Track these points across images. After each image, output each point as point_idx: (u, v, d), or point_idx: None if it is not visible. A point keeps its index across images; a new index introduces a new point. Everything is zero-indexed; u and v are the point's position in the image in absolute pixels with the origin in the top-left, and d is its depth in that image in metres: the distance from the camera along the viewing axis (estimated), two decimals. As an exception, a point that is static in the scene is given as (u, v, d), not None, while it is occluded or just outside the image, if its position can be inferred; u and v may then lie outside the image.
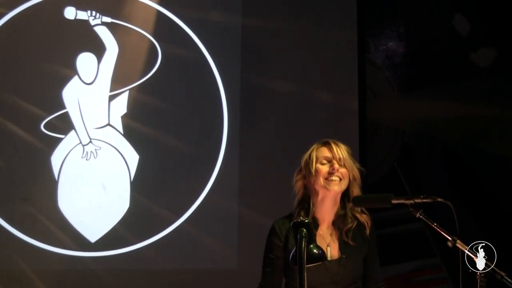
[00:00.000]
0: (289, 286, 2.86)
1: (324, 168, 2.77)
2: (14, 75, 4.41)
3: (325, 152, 2.80)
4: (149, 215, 4.50)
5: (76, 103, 4.48)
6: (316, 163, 2.78)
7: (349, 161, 2.79)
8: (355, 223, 2.83)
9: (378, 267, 2.92)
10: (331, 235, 2.83)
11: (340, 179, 2.77)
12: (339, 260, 2.79)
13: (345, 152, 2.80)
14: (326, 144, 2.82)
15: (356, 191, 2.82)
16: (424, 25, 5.35)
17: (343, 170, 2.77)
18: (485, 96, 5.24)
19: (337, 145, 2.81)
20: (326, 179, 2.76)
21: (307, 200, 2.84)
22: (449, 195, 2.54)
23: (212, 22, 4.72)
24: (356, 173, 2.81)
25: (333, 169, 2.75)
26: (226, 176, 4.61)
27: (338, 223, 2.84)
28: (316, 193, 2.80)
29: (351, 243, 2.80)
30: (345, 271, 2.78)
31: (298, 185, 2.85)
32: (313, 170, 2.78)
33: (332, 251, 2.80)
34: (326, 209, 2.82)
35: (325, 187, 2.76)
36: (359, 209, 2.84)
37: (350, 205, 2.82)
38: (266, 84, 4.78)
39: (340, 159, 2.77)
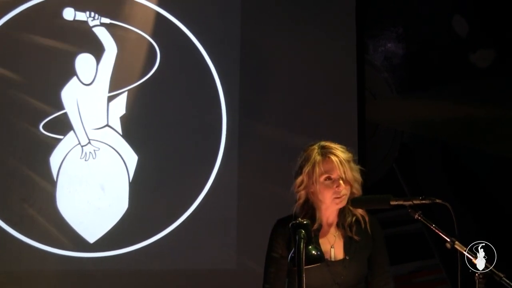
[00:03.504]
0: (291, 286, 2.84)
1: (330, 189, 2.75)
2: (13, 75, 4.41)
3: (328, 169, 2.75)
4: (148, 216, 4.49)
5: (75, 104, 4.48)
6: (321, 182, 2.75)
7: (350, 173, 2.75)
8: (354, 217, 2.83)
9: (384, 267, 2.88)
10: (335, 235, 2.83)
11: (347, 194, 2.77)
12: (342, 261, 2.78)
13: (346, 164, 2.75)
14: (328, 158, 2.76)
15: (355, 189, 2.80)
16: (423, 26, 5.36)
17: (347, 185, 2.76)
18: (484, 97, 5.24)
19: (338, 158, 2.75)
20: (335, 198, 2.76)
21: (310, 204, 2.83)
22: (448, 196, 2.54)
23: (210, 23, 4.71)
24: (357, 177, 2.79)
25: (339, 189, 2.74)
26: (225, 177, 4.61)
27: (341, 220, 2.84)
28: (321, 202, 2.80)
29: (355, 237, 2.80)
30: (348, 273, 2.78)
31: (301, 194, 2.82)
32: (318, 188, 2.76)
33: (337, 251, 2.80)
34: (331, 212, 2.83)
35: (333, 203, 2.78)
36: None
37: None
38: (265, 85, 4.78)
39: (344, 177, 2.74)
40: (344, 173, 2.74)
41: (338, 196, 2.75)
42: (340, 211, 2.84)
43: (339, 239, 2.82)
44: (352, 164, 2.79)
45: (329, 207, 2.80)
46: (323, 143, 2.82)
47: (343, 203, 2.78)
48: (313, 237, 2.53)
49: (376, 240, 2.87)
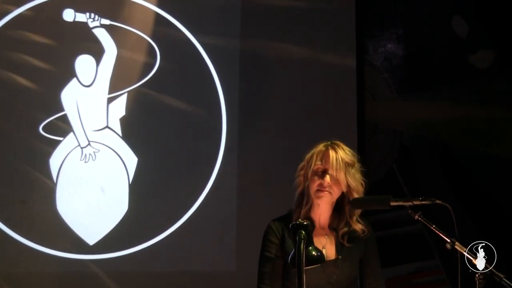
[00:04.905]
0: (284, 287, 2.85)
1: (317, 180, 2.76)
2: (12, 76, 4.41)
3: (324, 160, 2.77)
4: (147, 217, 4.49)
5: (74, 106, 4.48)
6: (312, 169, 2.78)
7: (343, 175, 2.75)
8: (351, 228, 2.83)
9: (375, 270, 2.89)
10: (326, 236, 2.83)
11: (330, 192, 2.77)
12: (335, 261, 2.79)
13: (343, 165, 2.75)
14: (328, 150, 2.78)
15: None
16: (423, 27, 5.36)
17: (335, 184, 2.76)
18: (483, 98, 5.24)
19: (336, 154, 2.76)
20: (317, 190, 2.77)
21: (306, 196, 2.83)
22: (447, 197, 2.54)
23: (210, 23, 4.72)
24: (355, 184, 2.78)
25: (324, 183, 2.75)
26: (224, 178, 4.61)
27: (333, 225, 2.85)
28: (310, 194, 2.81)
29: (347, 244, 2.81)
30: (341, 272, 2.79)
31: (299, 180, 2.85)
32: (309, 176, 2.79)
33: (328, 252, 2.80)
34: (321, 211, 2.83)
35: (315, 195, 2.78)
36: (354, 218, 2.83)
37: (347, 209, 2.82)
38: (265, 86, 4.78)
39: (334, 174, 2.75)
40: (335, 171, 2.74)
41: (321, 189, 2.75)
42: (334, 215, 2.84)
43: (331, 241, 2.83)
44: (352, 171, 2.78)
45: (315, 201, 2.79)
46: (335, 141, 2.85)
47: (324, 198, 2.77)
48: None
49: (369, 243, 2.87)
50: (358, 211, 2.84)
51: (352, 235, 2.83)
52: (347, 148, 2.83)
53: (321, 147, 2.82)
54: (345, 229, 2.82)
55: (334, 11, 4.94)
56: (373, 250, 2.89)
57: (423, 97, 5.28)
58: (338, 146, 2.81)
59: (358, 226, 2.83)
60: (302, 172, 2.84)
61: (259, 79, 4.77)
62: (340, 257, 2.79)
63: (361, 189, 2.80)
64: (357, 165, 2.82)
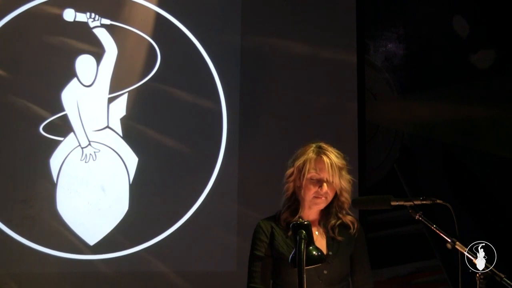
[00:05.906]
0: (275, 286, 2.87)
1: (313, 188, 2.80)
2: (13, 77, 4.41)
3: (317, 168, 2.79)
4: (148, 217, 4.49)
5: (75, 105, 4.47)
6: (307, 178, 2.80)
7: (337, 180, 2.79)
8: (340, 221, 2.87)
9: (365, 267, 2.92)
10: (317, 232, 2.85)
11: (326, 198, 2.81)
12: (325, 257, 2.79)
13: (337, 169, 2.79)
14: (321, 157, 2.80)
15: (344, 198, 2.85)
16: (424, 27, 5.35)
17: (331, 189, 2.80)
18: (484, 98, 5.24)
19: (330, 160, 2.79)
20: (314, 198, 2.81)
21: (295, 199, 2.87)
22: (448, 197, 2.54)
23: (211, 23, 4.72)
24: (345, 186, 2.82)
25: (321, 190, 2.79)
26: (225, 179, 4.61)
27: (323, 220, 2.89)
28: (303, 199, 2.85)
29: (338, 238, 2.84)
30: (331, 268, 2.80)
31: (289, 186, 2.88)
32: (303, 183, 2.81)
33: None
34: (312, 211, 2.87)
35: (312, 202, 2.82)
36: (344, 211, 2.88)
37: (334, 203, 2.85)
38: (266, 86, 4.78)
39: (330, 180, 2.78)
40: (332, 177, 2.78)
41: (318, 196, 2.79)
42: (323, 212, 2.88)
43: (321, 238, 2.85)
44: (343, 173, 2.83)
45: (310, 205, 2.83)
46: (322, 144, 2.87)
47: (321, 205, 2.83)
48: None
49: (359, 241, 2.90)
50: (347, 204, 2.87)
51: (342, 229, 2.86)
52: (335, 150, 2.86)
53: (311, 154, 2.82)
54: (334, 221, 2.86)
55: (335, 11, 4.93)
56: (363, 248, 2.92)
57: (424, 97, 5.28)
58: (328, 150, 2.83)
59: (348, 218, 2.88)
60: (291, 179, 2.86)
61: (259, 79, 4.77)
62: (330, 253, 2.81)
63: (350, 187, 2.86)
64: (346, 166, 2.85)
